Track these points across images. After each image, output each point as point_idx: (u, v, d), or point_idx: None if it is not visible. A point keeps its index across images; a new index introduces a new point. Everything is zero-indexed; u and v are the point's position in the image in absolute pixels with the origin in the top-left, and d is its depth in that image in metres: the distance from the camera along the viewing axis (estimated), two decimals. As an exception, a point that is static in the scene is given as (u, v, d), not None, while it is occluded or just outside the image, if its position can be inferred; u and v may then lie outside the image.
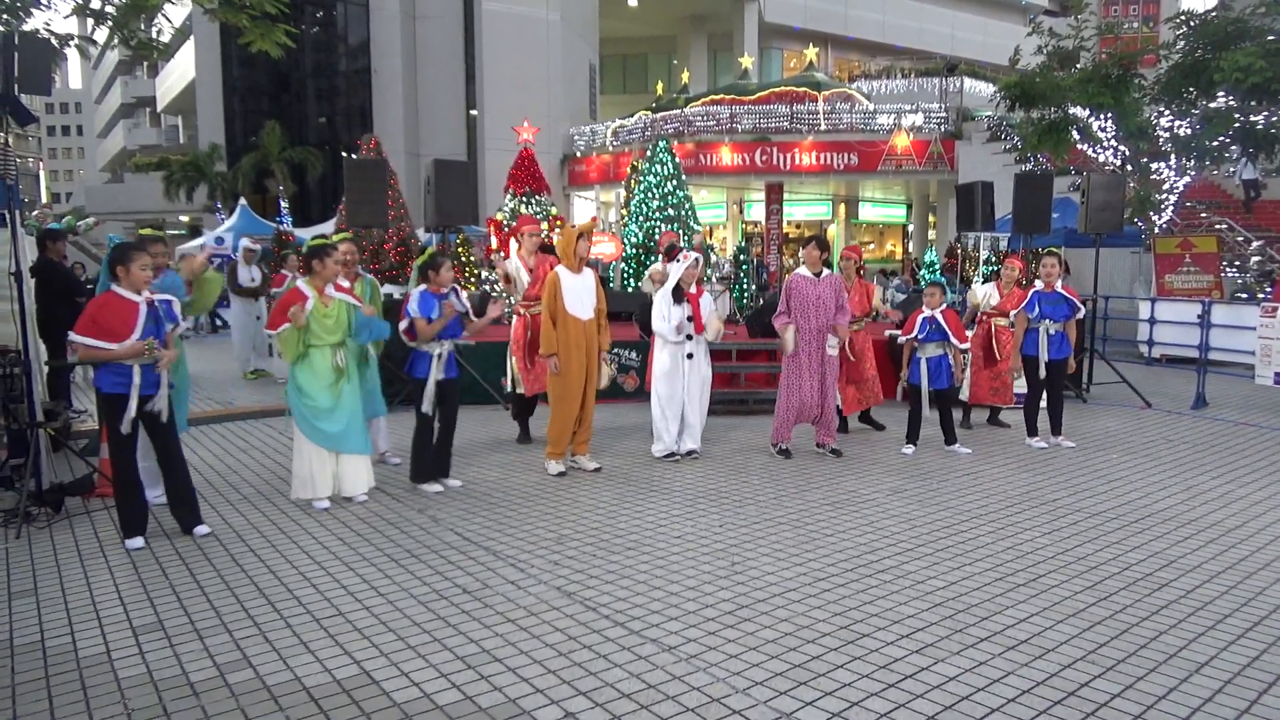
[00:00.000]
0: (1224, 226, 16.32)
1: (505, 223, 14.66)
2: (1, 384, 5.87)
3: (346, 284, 6.11)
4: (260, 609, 4.06)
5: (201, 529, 5.17)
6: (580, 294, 6.47)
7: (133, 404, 4.83)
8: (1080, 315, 7.50)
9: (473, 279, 14.16)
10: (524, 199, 14.74)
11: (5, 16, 8.86)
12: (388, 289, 12.09)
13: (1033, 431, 7.59)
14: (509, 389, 7.75)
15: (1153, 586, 4.35)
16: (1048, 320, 7.39)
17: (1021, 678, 3.39)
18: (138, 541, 4.93)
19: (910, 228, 32.93)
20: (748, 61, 31.73)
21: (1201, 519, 5.49)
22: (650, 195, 13.87)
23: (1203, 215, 16.81)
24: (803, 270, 7.04)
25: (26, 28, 8.89)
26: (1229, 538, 5.12)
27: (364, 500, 5.85)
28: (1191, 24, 14.81)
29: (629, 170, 19.13)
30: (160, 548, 4.94)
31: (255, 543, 5.01)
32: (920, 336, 7.23)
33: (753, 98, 27.06)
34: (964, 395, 8.44)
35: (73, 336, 4.75)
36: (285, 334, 5.53)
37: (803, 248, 7.19)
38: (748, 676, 3.40)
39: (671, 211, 13.72)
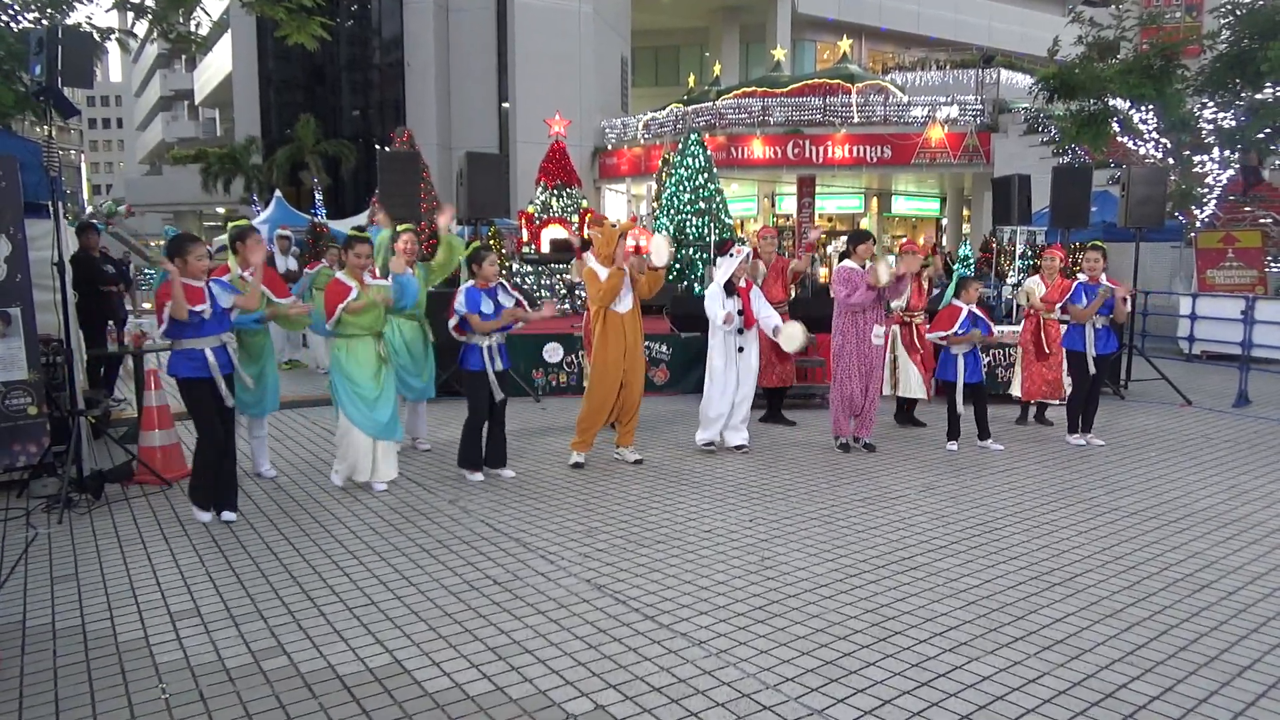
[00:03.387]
0: (1269, 220, 15.96)
1: (536, 215, 14.72)
2: (44, 372, 5.98)
3: (410, 272, 6.37)
4: (294, 597, 4.10)
5: (229, 515, 5.27)
6: (626, 251, 6.50)
7: (221, 384, 5.06)
8: (1127, 301, 7.38)
9: (503, 270, 14.21)
10: (555, 192, 14.77)
11: (49, 10, 9.01)
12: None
13: (1074, 428, 7.47)
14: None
15: (1193, 587, 4.27)
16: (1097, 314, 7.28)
17: (1058, 678, 3.34)
18: (207, 515, 5.22)
19: (944, 221, 32.55)
20: (780, 53, 31.48)
21: (1244, 519, 5.37)
22: (681, 188, 13.83)
23: (1246, 209, 16.45)
24: (850, 263, 7.01)
25: (69, 21, 9.05)
26: (1272, 539, 5.00)
27: (383, 490, 5.91)
28: (1237, 13, 14.47)
29: (660, 163, 19.08)
30: (197, 535, 5.01)
31: (289, 531, 5.07)
32: (961, 332, 7.14)
33: (785, 90, 26.85)
34: (1015, 391, 8.34)
35: (166, 318, 4.90)
36: (361, 307, 5.71)
37: (859, 244, 7.05)
38: (778, 672, 3.38)
39: (703, 205, 13.68)
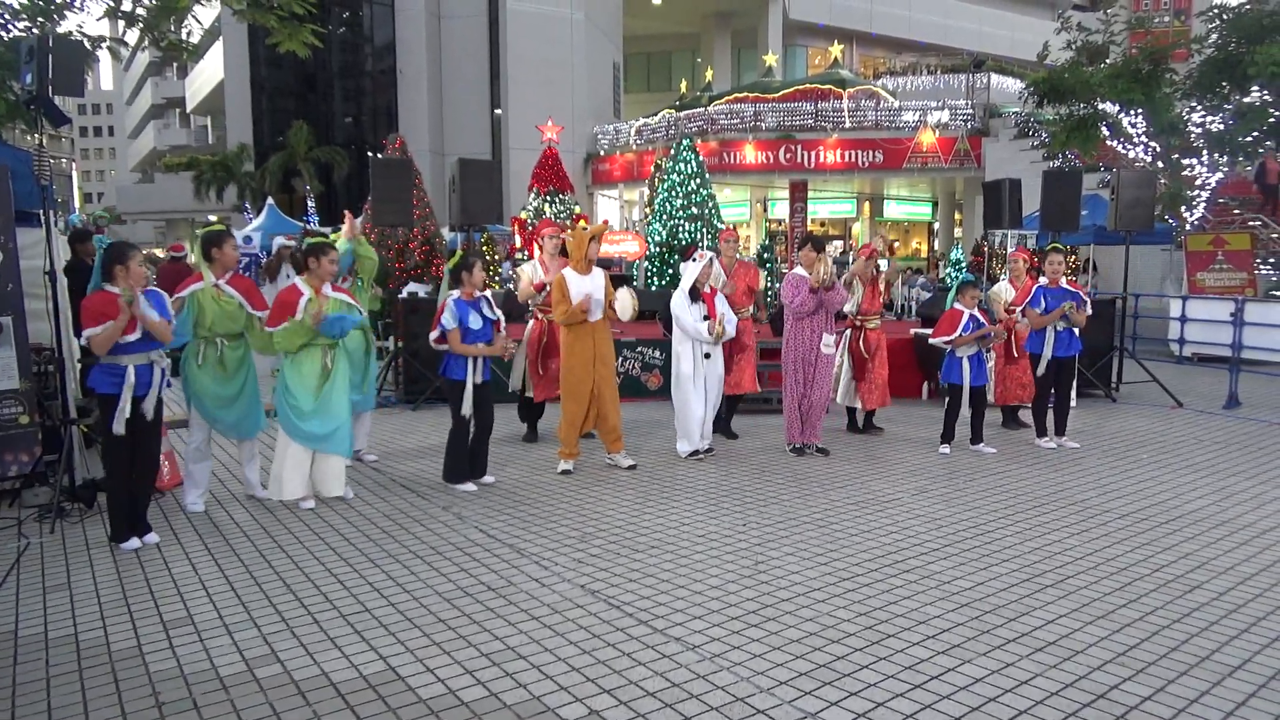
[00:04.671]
0: (1258, 223, 16.06)
1: (529, 221, 14.74)
2: (36, 381, 5.97)
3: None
4: (288, 605, 4.10)
5: (151, 537, 5.01)
6: (593, 294, 6.46)
7: (125, 403, 4.76)
8: (1086, 308, 7.37)
9: (495, 277, 14.24)
10: (548, 198, 14.80)
11: (39, 19, 9.00)
12: (411, 287, 12.15)
13: (1042, 432, 7.48)
14: (515, 388, 7.71)
15: (1185, 588, 4.29)
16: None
17: (1050, 680, 3.36)
18: (134, 543, 4.88)
19: (936, 225, 32.66)
20: (772, 59, 31.59)
21: (1234, 520, 5.40)
22: (674, 194, 13.86)
23: (1236, 212, 16.55)
24: (800, 270, 7.03)
25: (60, 30, 9.04)
26: (1263, 539, 5.03)
27: (350, 497, 5.83)
28: (1225, 17, 14.58)
29: (653, 169, 19.16)
30: (190, 543, 5.00)
31: (282, 539, 5.07)
32: (965, 335, 7.15)
33: (777, 95, 26.96)
34: (991, 398, 8.34)
35: (85, 333, 4.69)
36: (290, 327, 5.48)
37: (799, 249, 7.16)
38: (772, 676, 3.39)
39: (695, 210, 13.71)
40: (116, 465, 4.91)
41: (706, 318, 6.79)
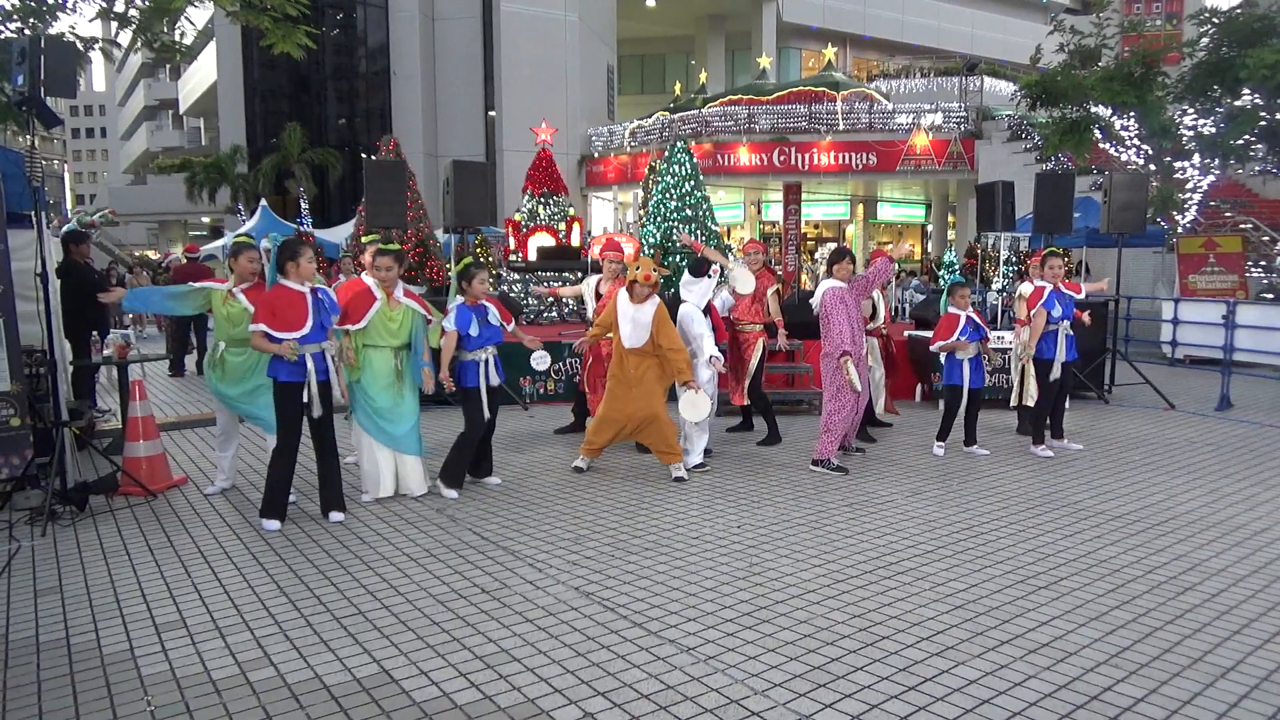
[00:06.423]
0: (1249, 226, 16.13)
1: (523, 224, 14.73)
2: (28, 383, 5.94)
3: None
4: (281, 607, 4.08)
5: (336, 515, 5.45)
6: (635, 323, 6.38)
7: (314, 389, 5.20)
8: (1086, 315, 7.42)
9: (490, 280, 14.23)
10: (542, 200, 14.79)
11: (31, 20, 8.96)
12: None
13: (1039, 439, 7.37)
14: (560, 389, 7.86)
15: (1177, 590, 4.30)
16: (1065, 321, 7.31)
17: (1044, 681, 3.36)
18: (275, 524, 5.28)
19: (929, 228, 32.74)
20: (766, 61, 31.62)
21: (1226, 522, 5.42)
22: (668, 196, 13.86)
23: (1227, 215, 16.62)
24: (833, 282, 6.67)
25: (52, 31, 9.00)
26: (1255, 541, 5.05)
27: (423, 494, 6.03)
28: (1216, 21, 14.64)
29: (647, 171, 19.14)
30: (182, 545, 4.99)
31: (276, 541, 5.05)
32: (964, 338, 7.15)
33: (771, 98, 26.95)
34: (1029, 400, 8.28)
35: (253, 326, 5.12)
36: (350, 360, 5.79)
37: (835, 263, 6.80)
38: (766, 678, 3.39)
39: (690, 212, 13.71)
40: (286, 448, 5.29)
41: (714, 328, 6.87)
